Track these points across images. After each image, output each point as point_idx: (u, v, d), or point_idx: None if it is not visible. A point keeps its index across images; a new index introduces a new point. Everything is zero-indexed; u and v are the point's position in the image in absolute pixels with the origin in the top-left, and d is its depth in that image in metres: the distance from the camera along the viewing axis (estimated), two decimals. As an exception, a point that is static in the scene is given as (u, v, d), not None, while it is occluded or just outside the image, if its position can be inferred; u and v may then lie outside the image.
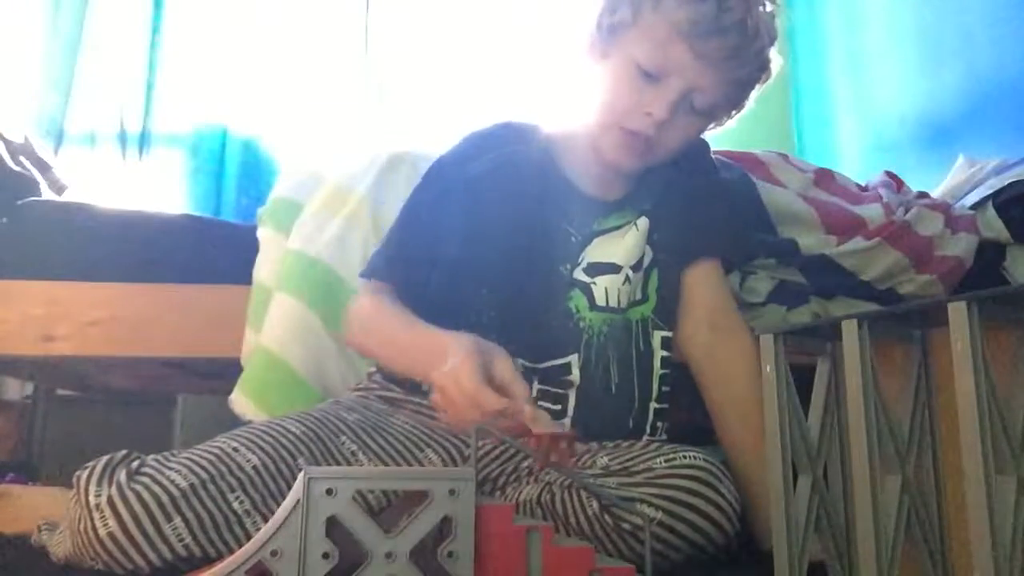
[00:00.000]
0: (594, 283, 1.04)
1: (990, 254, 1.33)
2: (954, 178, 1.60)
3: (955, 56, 1.82)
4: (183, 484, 0.80)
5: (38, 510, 1.00)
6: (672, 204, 1.09)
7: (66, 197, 1.63)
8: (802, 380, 0.74)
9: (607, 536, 0.84)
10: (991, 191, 1.37)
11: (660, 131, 0.98)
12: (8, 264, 1.36)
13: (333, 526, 0.57)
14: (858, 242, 1.28)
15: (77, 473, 0.83)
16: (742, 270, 1.28)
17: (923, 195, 1.47)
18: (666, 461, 0.87)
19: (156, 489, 0.79)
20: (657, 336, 1.06)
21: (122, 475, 0.80)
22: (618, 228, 1.07)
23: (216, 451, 0.85)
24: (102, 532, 0.78)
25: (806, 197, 1.36)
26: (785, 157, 1.47)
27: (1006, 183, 1.37)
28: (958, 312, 0.59)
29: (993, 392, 0.58)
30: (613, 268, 1.05)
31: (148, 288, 1.36)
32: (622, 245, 1.06)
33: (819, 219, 1.33)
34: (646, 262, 1.07)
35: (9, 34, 2.30)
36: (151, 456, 0.85)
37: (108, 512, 0.78)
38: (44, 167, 1.59)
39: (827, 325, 0.72)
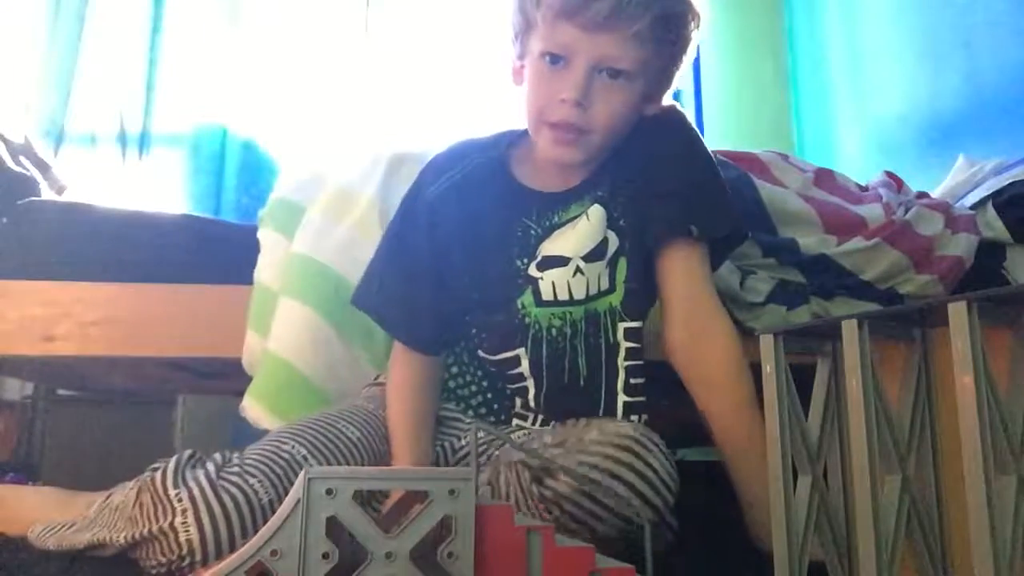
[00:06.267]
0: (541, 278, 1.04)
1: (990, 254, 1.33)
2: (954, 178, 1.60)
3: (955, 56, 1.82)
4: (265, 499, 0.87)
5: (36, 511, 1.00)
6: (631, 182, 1.05)
7: (66, 197, 1.63)
8: (802, 380, 0.74)
9: (535, 505, 0.86)
10: (991, 191, 1.37)
11: (584, 112, 0.97)
12: (8, 264, 1.36)
13: (333, 526, 0.57)
14: (858, 242, 1.28)
15: (147, 475, 0.89)
16: (742, 270, 1.28)
17: (923, 195, 1.47)
18: (599, 432, 0.89)
19: (241, 501, 0.86)
20: (620, 327, 1.03)
21: (200, 475, 0.86)
22: (576, 219, 1.06)
23: (287, 457, 0.92)
24: (182, 537, 0.84)
25: (806, 197, 1.36)
26: (785, 157, 1.47)
27: (1006, 183, 1.37)
28: (958, 312, 0.59)
29: (993, 392, 0.58)
30: (561, 261, 1.04)
31: (148, 288, 1.36)
32: (572, 236, 1.05)
33: (819, 219, 1.33)
34: (611, 251, 1.04)
35: (9, 34, 2.30)
36: (218, 455, 0.91)
37: (192, 519, 0.84)
38: (44, 167, 1.59)
39: (827, 325, 0.73)
